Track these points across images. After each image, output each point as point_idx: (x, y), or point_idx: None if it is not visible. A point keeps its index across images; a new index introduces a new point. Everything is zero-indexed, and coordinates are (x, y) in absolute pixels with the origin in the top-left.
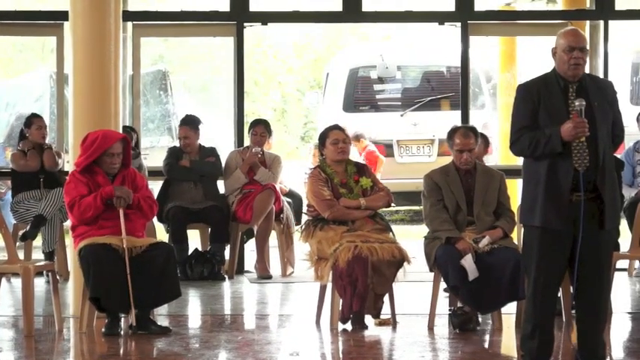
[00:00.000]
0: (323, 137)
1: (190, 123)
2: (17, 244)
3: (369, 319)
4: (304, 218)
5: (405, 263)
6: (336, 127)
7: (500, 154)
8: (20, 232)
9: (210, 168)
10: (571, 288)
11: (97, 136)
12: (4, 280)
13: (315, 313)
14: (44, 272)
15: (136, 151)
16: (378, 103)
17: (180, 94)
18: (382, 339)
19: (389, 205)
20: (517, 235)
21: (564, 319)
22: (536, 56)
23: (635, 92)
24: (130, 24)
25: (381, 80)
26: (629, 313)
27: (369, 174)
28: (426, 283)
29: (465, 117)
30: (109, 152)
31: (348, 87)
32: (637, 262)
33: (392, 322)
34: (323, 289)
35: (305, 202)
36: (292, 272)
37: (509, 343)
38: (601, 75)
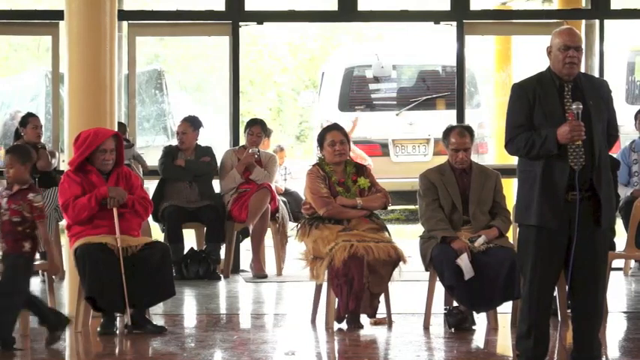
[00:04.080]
0: (321, 138)
1: (192, 121)
2: None
3: (364, 319)
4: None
5: (401, 263)
6: (334, 128)
7: (495, 154)
8: None
9: (205, 168)
10: (566, 287)
11: (89, 134)
12: None
13: (310, 312)
14: (40, 271)
15: (129, 143)
16: (374, 102)
17: (175, 94)
18: (378, 338)
19: (385, 207)
20: (512, 235)
21: (560, 319)
22: (531, 55)
23: (631, 91)
24: (125, 23)
25: (376, 79)
26: (624, 312)
27: (367, 174)
28: (421, 282)
29: (460, 116)
30: (102, 148)
31: (343, 86)
32: (632, 261)
33: (387, 322)
34: (319, 288)
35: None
36: (282, 268)
37: (504, 342)
38: (597, 74)
